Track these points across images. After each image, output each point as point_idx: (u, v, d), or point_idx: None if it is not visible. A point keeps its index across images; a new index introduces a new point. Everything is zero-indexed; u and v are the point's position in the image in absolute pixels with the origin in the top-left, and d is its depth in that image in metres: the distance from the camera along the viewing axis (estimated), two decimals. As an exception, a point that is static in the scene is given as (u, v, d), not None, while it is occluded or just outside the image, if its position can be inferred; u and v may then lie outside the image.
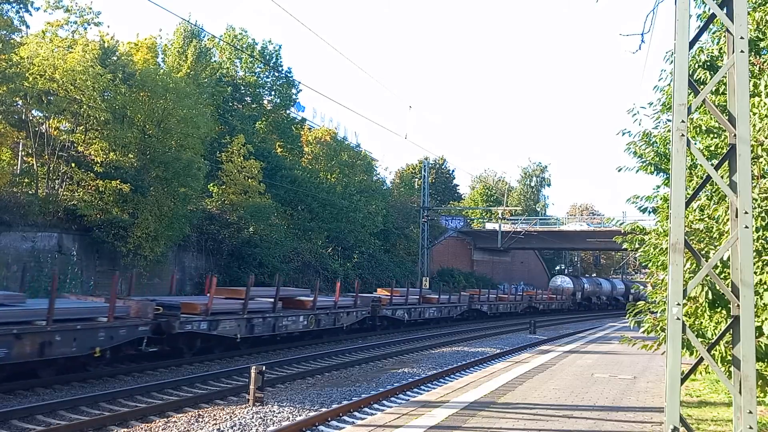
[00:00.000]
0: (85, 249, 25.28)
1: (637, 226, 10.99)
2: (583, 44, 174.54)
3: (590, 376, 14.50)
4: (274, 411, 12.14)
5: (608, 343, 23.73)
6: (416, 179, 61.94)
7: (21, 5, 22.95)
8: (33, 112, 25.63)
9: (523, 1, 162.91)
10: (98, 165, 25.82)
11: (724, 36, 6.42)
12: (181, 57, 34.41)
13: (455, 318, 38.38)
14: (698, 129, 8.19)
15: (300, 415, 11.95)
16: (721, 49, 8.65)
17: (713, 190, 8.34)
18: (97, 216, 24.62)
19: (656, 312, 9.47)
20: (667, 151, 10.19)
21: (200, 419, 11.48)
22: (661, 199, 10.99)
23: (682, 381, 5.92)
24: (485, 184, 79.36)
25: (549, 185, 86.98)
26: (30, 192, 24.44)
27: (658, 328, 8.78)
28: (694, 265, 7.16)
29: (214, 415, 11.80)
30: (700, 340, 7.51)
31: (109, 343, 15.09)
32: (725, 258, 6.30)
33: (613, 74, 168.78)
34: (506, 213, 61.08)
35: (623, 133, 11.14)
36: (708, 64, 8.62)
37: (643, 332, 8.91)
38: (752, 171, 6.52)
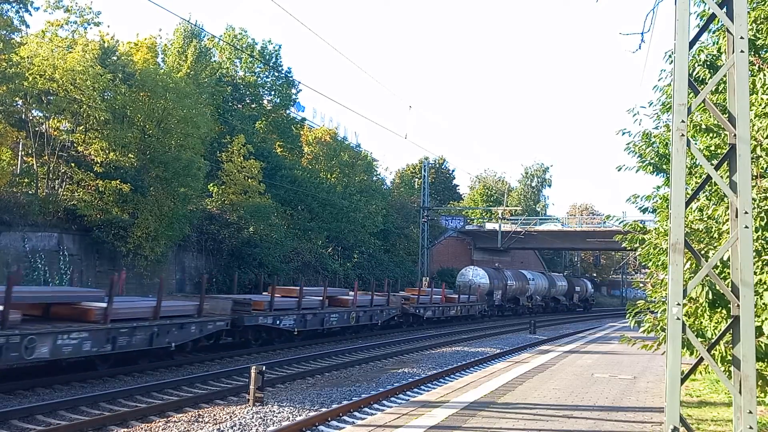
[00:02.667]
0: (85, 249, 25.28)
1: (637, 225, 11.00)
2: (583, 44, 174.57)
3: (590, 376, 14.50)
4: (274, 411, 12.14)
5: (608, 343, 23.73)
6: (416, 179, 61.94)
7: (21, 5, 22.93)
8: (33, 112, 25.64)
9: (523, 1, 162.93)
10: (98, 165, 25.81)
11: (724, 35, 6.41)
12: (181, 57, 34.41)
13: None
14: (698, 128, 8.19)
15: (300, 415, 11.95)
16: (720, 48, 8.65)
17: (712, 190, 8.34)
18: (97, 216, 24.61)
19: (656, 312, 9.47)
20: (667, 151, 10.19)
21: (200, 419, 11.47)
22: (660, 198, 11.00)
23: (682, 381, 5.91)
24: (485, 184, 79.33)
25: (550, 186, 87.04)
26: (30, 192, 24.43)
27: (658, 328, 8.78)
28: (694, 265, 7.16)
29: (214, 415, 11.79)
30: (700, 340, 7.51)
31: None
32: (725, 258, 6.30)
33: (613, 74, 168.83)
34: (506, 213, 61.05)
35: (623, 133, 11.16)
36: (708, 62, 8.62)
37: (643, 332, 8.91)
38: (751, 171, 6.51)
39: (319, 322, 23.69)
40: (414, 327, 32.53)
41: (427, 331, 32.19)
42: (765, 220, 6.92)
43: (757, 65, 7.35)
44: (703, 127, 8.17)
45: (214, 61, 40.17)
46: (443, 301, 36.02)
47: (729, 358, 6.34)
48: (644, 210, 11.30)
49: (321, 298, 24.38)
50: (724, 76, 6.08)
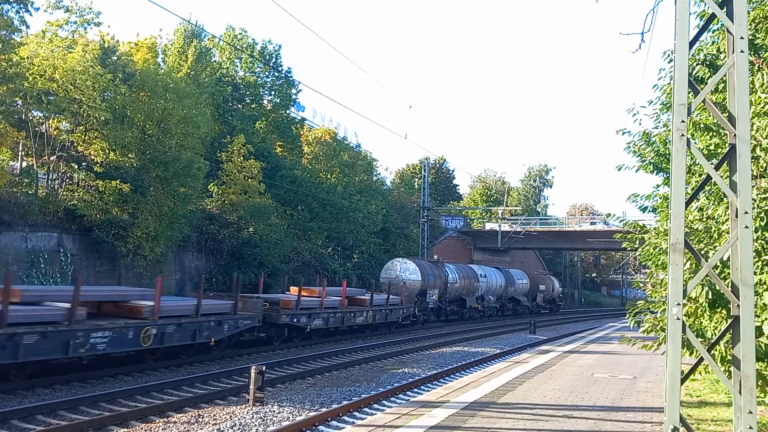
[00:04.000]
0: (85, 249, 25.26)
1: (637, 224, 10.99)
2: (583, 44, 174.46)
3: (590, 376, 14.49)
4: (274, 411, 12.13)
5: (608, 343, 23.73)
6: (416, 179, 61.89)
7: (21, 5, 22.91)
8: (33, 112, 25.59)
9: (523, 1, 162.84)
10: (98, 165, 25.79)
11: (722, 35, 6.41)
12: (181, 57, 34.38)
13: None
14: (697, 126, 8.19)
15: (300, 415, 11.95)
16: (719, 48, 8.65)
17: (711, 189, 8.34)
18: (97, 216, 24.59)
19: (656, 312, 9.46)
20: (666, 150, 10.19)
21: (200, 419, 11.47)
22: (660, 198, 10.99)
23: (682, 381, 5.91)
24: (485, 184, 79.29)
25: (551, 186, 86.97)
26: (30, 192, 24.42)
27: (658, 328, 8.78)
28: (694, 265, 7.15)
29: (214, 415, 11.79)
30: (700, 340, 7.51)
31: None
32: (725, 258, 6.29)
33: (613, 74, 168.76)
34: (506, 213, 60.97)
35: (623, 133, 11.15)
36: (707, 61, 8.62)
37: (643, 332, 8.90)
38: (751, 171, 6.51)
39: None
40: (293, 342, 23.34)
41: (427, 332, 32.09)
42: (765, 220, 6.91)
43: (757, 65, 7.35)
44: (703, 125, 8.17)
45: (215, 61, 40.12)
46: (343, 304, 26.16)
47: (729, 358, 6.34)
48: (644, 209, 11.29)
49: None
50: (724, 75, 6.08)
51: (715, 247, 7.76)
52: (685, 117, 5.85)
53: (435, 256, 45.85)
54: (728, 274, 6.17)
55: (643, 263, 12.07)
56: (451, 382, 14.21)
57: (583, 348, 21.99)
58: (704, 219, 8.47)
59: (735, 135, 5.81)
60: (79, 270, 23.55)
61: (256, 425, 11.11)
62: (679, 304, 5.74)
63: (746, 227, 5.68)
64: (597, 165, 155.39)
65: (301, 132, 46.56)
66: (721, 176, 6.28)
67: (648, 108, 10.96)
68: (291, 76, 44.64)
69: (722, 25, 6.44)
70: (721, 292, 6.27)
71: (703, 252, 7.43)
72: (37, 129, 25.23)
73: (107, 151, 25.84)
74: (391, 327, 30.70)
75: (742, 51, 5.78)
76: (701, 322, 7.99)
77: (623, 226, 11.35)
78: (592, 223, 61.69)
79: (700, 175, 8.73)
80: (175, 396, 13.53)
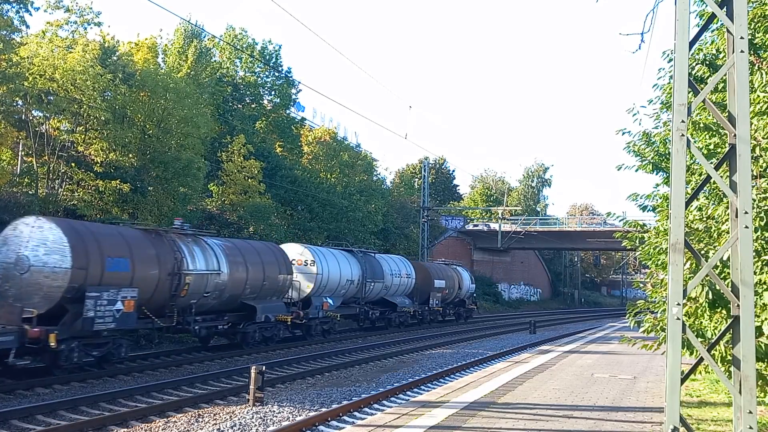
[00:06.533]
0: (85, 249, 25.11)
1: (637, 224, 10.99)
2: (583, 44, 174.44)
3: (590, 376, 14.49)
4: (274, 411, 12.13)
5: (608, 343, 23.72)
6: (416, 179, 61.87)
7: (21, 5, 22.90)
8: (33, 112, 25.58)
9: (523, 1, 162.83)
10: (98, 165, 25.80)
11: (722, 34, 6.41)
12: (182, 57, 34.38)
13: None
14: (697, 126, 8.19)
15: (300, 415, 11.94)
16: (719, 48, 8.65)
17: (712, 189, 8.33)
18: (97, 216, 24.58)
19: (656, 312, 9.46)
20: (666, 150, 10.19)
21: (200, 419, 11.47)
22: (661, 197, 10.98)
23: (682, 381, 5.91)
24: (485, 184, 79.27)
25: (550, 186, 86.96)
26: (30, 192, 24.41)
27: (658, 328, 8.77)
28: (694, 265, 7.15)
29: (214, 415, 11.79)
30: (700, 340, 7.50)
31: None
32: (725, 258, 6.29)
33: (613, 74, 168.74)
34: (506, 213, 60.94)
35: (623, 133, 11.15)
36: (707, 61, 8.62)
37: (643, 332, 8.90)
38: (751, 171, 6.50)
39: None
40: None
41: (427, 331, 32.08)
42: (765, 220, 6.91)
43: (757, 65, 7.34)
44: (702, 125, 8.17)
45: (215, 61, 40.13)
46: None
47: (729, 358, 6.33)
48: (644, 208, 11.28)
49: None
50: (724, 75, 6.07)
51: (715, 247, 7.75)
52: (685, 117, 5.85)
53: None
54: (728, 274, 6.17)
55: (643, 263, 12.06)
56: (451, 382, 14.20)
57: (583, 348, 21.98)
58: (704, 219, 8.46)
59: (735, 135, 5.80)
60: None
61: (256, 425, 11.10)
62: (679, 304, 5.73)
63: (746, 227, 5.67)
64: (597, 165, 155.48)
65: (301, 132, 46.57)
66: (721, 176, 6.27)
67: (648, 108, 10.97)
68: (291, 76, 44.70)
69: (722, 24, 6.43)
70: (721, 292, 6.26)
71: (703, 252, 7.43)
72: (37, 129, 25.22)
73: (107, 151, 25.84)
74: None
75: (742, 51, 5.78)
76: (701, 322, 7.98)
77: (623, 225, 11.34)
78: (597, 225, 59.90)
79: (700, 175, 8.73)
80: (175, 396, 13.53)
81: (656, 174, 10.95)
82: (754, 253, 6.49)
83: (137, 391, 13.48)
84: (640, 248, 10.55)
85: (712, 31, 8.99)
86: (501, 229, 55.65)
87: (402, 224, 52.95)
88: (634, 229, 10.99)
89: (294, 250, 25.12)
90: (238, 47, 41.51)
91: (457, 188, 76.61)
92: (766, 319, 7.01)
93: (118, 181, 24.77)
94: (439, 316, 37.12)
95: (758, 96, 7.27)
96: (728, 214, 6.63)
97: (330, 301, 25.43)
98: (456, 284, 38.86)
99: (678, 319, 5.72)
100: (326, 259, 25.93)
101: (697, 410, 10.74)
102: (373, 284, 29.41)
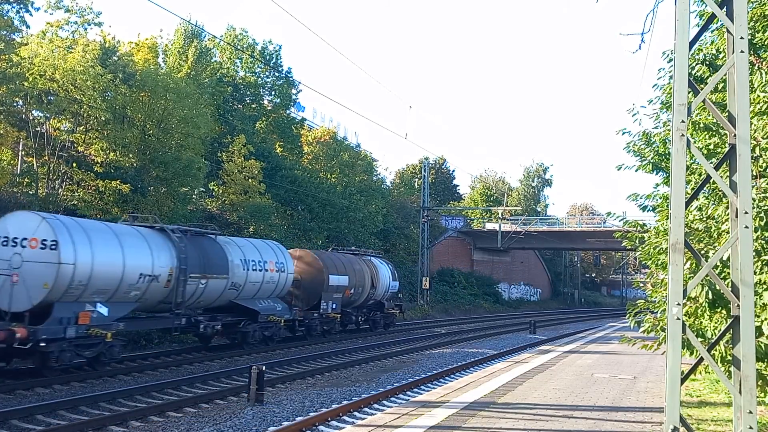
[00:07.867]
0: (85, 249, 25.10)
1: (637, 223, 10.98)
2: (583, 44, 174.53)
3: (590, 376, 14.49)
4: (274, 411, 12.13)
5: (608, 343, 23.72)
6: (416, 179, 61.83)
7: (21, 5, 22.91)
8: (33, 112, 25.61)
9: (523, 2, 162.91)
10: (98, 165, 25.81)
11: (722, 34, 6.41)
12: (182, 57, 34.39)
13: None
14: (697, 126, 8.19)
15: (300, 415, 11.94)
16: (719, 48, 8.65)
17: (711, 189, 8.33)
18: (97, 216, 24.59)
19: (656, 312, 9.45)
20: (666, 150, 10.18)
21: (200, 419, 11.47)
22: (660, 197, 10.98)
23: (682, 381, 5.90)
24: (485, 184, 79.24)
25: (550, 186, 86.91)
26: (30, 192, 24.42)
27: (658, 328, 8.77)
28: (694, 265, 7.15)
29: (214, 415, 11.79)
30: (700, 340, 7.50)
31: None
32: (725, 258, 6.29)
33: (613, 74, 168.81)
34: (506, 213, 60.91)
35: (623, 133, 11.15)
36: (707, 61, 8.62)
37: (643, 332, 8.90)
38: (751, 171, 6.50)
39: None
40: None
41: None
42: (765, 220, 6.91)
43: (757, 65, 7.34)
44: (702, 125, 8.17)
45: (215, 61, 40.14)
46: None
47: (729, 358, 6.33)
48: (644, 208, 11.28)
49: None
50: (724, 75, 6.07)
51: (715, 247, 7.75)
52: (685, 117, 5.85)
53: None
54: (728, 274, 6.17)
55: (643, 263, 12.06)
56: (451, 382, 14.20)
57: (583, 348, 21.98)
58: (704, 219, 8.46)
59: (735, 135, 5.80)
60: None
61: (256, 425, 11.11)
62: (679, 304, 5.73)
63: (746, 227, 5.67)
64: (597, 165, 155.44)
65: (301, 132, 46.56)
66: (721, 176, 6.27)
67: (648, 108, 10.97)
68: (291, 76, 44.67)
69: (722, 24, 6.43)
70: (721, 292, 6.26)
71: (703, 252, 7.43)
72: (37, 129, 25.23)
73: (107, 151, 25.86)
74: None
75: (742, 51, 5.78)
76: (701, 322, 7.98)
77: (623, 225, 11.33)
78: (597, 225, 59.38)
79: (700, 175, 8.72)
80: (175, 396, 13.53)
81: (656, 174, 10.95)
82: (754, 253, 6.49)
83: (137, 391, 13.48)
84: (640, 248, 10.54)
85: (712, 31, 8.99)
86: (501, 229, 55.62)
87: (402, 224, 52.94)
88: (634, 229, 10.99)
89: (21, 223, 14.76)
90: (239, 47, 41.52)
91: (457, 188, 76.59)
92: (766, 319, 7.01)
93: (118, 182, 24.79)
94: (337, 325, 26.47)
95: (758, 96, 7.27)
96: (728, 214, 6.63)
97: (102, 309, 15.39)
98: (367, 281, 28.63)
99: (678, 319, 5.72)
100: (89, 239, 15.22)
101: (697, 410, 10.74)
102: (203, 282, 18.62)
